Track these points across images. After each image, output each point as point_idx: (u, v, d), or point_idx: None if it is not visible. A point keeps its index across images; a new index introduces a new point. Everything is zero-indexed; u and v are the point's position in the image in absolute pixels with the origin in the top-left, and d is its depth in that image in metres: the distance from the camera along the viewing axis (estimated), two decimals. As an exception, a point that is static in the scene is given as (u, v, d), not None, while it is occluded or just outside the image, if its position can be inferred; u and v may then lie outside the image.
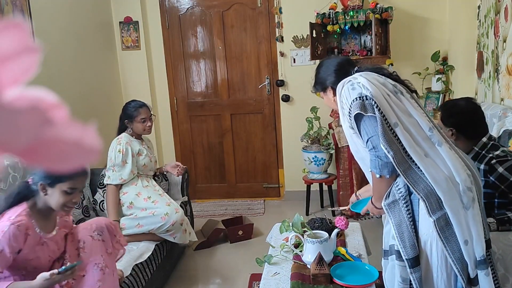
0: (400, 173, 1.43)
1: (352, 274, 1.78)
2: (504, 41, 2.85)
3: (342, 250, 1.97)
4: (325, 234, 1.89)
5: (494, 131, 2.74)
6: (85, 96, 3.60)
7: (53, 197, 1.63)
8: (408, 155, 1.43)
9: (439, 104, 3.80)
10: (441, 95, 3.79)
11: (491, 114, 2.92)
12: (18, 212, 1.61)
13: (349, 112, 1.51)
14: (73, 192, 1.64)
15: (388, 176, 1.48)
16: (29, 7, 2.93)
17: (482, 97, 3.40)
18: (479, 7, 3.45)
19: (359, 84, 1.50)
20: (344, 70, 1.66)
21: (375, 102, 1.44)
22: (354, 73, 1.62)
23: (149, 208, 2.58)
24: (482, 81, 3.41)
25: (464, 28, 3.59)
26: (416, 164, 1.43)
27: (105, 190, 2.74)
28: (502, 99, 2.97)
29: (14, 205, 1.64)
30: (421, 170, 1.42)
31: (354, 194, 1.97)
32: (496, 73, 3.06)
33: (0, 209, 1.64)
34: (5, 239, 1.53)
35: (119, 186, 2.65)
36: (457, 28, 3.68)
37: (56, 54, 3.25)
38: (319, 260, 1.77)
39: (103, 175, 2.82)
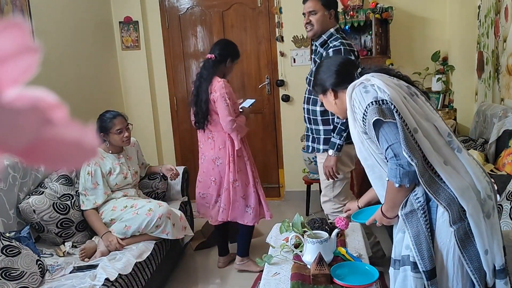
0: (422, 182, 1.36)
1: (352, 274, 1.78)
2: (504, 41, 2.85)
3: (342, 250, 1.97)
4: (325, 234, 1.89)
5: (494, 131, 2.74)
6: (85, 96, 3.60)
7: (232, 67, 2.73)
8: (428, 162, 1.36)
9: (439, 104, 3.80)
10: (441, 95, 3.79)
11: (491, 114, 2.91)
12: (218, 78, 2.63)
13: (363, 118, 1.41)
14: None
15: (408, 186, 1.40)
16: (29, 7, 2.93)
17: (482, 97, 3.40)
18: (479, 7, 3.45)
19: (373, 86, 1.41)
20: (347, 71, 1.56)
21: (394, 107, 1.35)
22: (358, 75, 1.52)
23: (131, 211, 2.51)
24: (482, 81, 3.41)
25: (464, 28, 3.60)
26: (436, 173, 1.37)
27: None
28: (502, 99, 2.97)
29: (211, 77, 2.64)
30: (441, 179, 1.36)
31: (356, 203, 1.89)
32: (496, 73, 3.06)
33: (206, 85, 2.62)
34: (228, 89, 2.61)
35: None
36: (457, 28, 3.68)
37: (56, 54, 3.25)
38: (319, 260, 1.77)
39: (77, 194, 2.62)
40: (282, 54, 4.08)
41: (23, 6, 2.88)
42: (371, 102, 1.38)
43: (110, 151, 2.68)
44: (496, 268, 1.39)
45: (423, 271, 1.39)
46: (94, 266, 2.19)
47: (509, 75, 2.81)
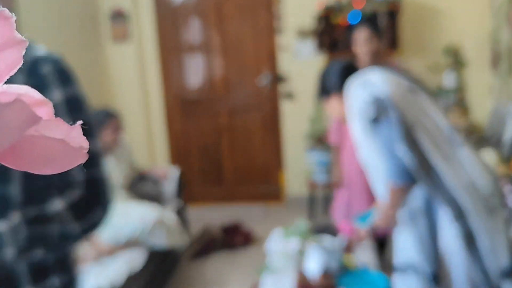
0: (420, 179, 1.41)
1: (359, 283, 1.78)
2: (521, 34, 2.85)
3: (348, 257, 1.97)
4: (330, 241, 1.89)
5: (509, 130, 2.74)
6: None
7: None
8: (426, 158, 1.40)
9: (452, 101, 3.80)
10: (453, 91, 3.79)
11: (507, 112, 2.91)
12: None
13: (361, 114, 1.48)
14: None
15: (406, 184, 1.44)
16: (12, -3, 2.93)
17: (497, 94, 3.40)
18: (493, -3, 3.45)
19: (371, 82, 1.47)
20: (349, 73, 1.65)
21: (391, 102, 1.41)
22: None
23: (121, 217, 2.45)
24: (497, 77, 3.41)
25: (478, 20, 3.60)
26: (436, 169, 1.40)
27: None
28: (518, 96, 2.97)
29: None
30: (442, 175, 1.40)
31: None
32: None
33: None
34: None
35: None
36: (470, 20, 3.68)
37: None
38: (324, 268, 1.77)
39: None
40: (284, 47, 4.07)
41: (6, -4, 2.88)
42: (369, 99, 1.45)
43: None
44: (501, 269, 1.40)
45: (426, 274, 1.43)
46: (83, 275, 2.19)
47: (526, 70, 2.81)
